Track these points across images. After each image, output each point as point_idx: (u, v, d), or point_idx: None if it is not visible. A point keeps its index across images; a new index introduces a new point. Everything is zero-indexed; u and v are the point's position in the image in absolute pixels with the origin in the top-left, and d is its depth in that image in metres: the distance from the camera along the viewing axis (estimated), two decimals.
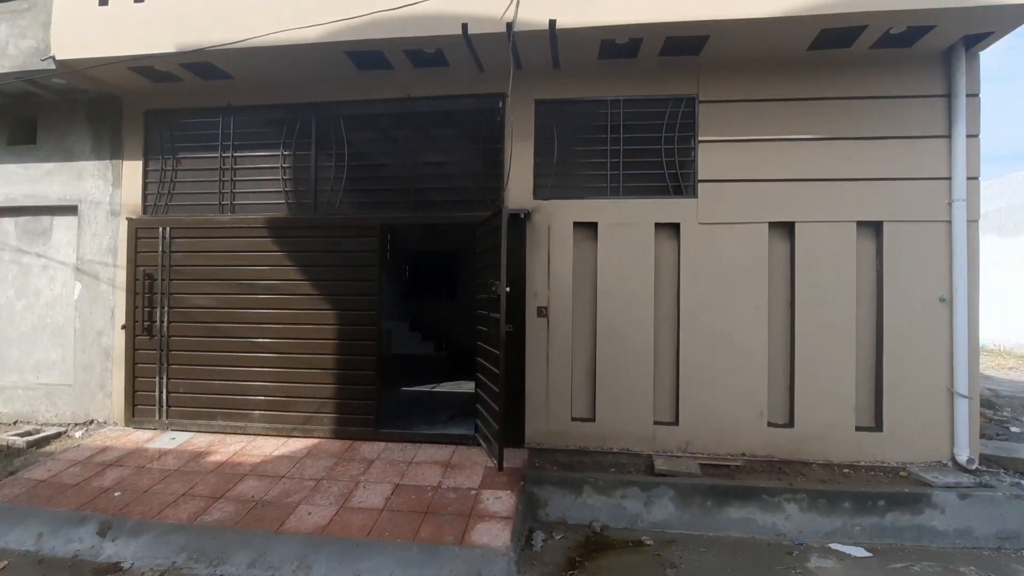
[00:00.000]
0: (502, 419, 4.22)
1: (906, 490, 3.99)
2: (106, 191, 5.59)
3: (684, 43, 4.39)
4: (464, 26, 4.18)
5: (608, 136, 4.84)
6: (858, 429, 4.56)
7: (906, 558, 3.68)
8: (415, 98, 5.03)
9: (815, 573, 3.48)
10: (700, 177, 4.69)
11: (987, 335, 13.28)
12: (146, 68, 4.88)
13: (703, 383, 4.68)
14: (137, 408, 5.38)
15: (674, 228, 4.76)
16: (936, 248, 4.50)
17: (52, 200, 5.68)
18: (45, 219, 5.82)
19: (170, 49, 4.62)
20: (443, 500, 3.88)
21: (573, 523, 4.12)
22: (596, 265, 4.82)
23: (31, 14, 5.12)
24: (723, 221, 4.67)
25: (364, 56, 4.65)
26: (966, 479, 4.13)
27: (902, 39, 4.26)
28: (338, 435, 5.05)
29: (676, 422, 4.73)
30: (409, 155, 5.12)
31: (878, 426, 4.56)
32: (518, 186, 4.81)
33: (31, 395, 5.68)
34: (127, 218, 5.45)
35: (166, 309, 5.34)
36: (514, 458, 4.51)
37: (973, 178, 4.45)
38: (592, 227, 4.82)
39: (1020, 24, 4.07)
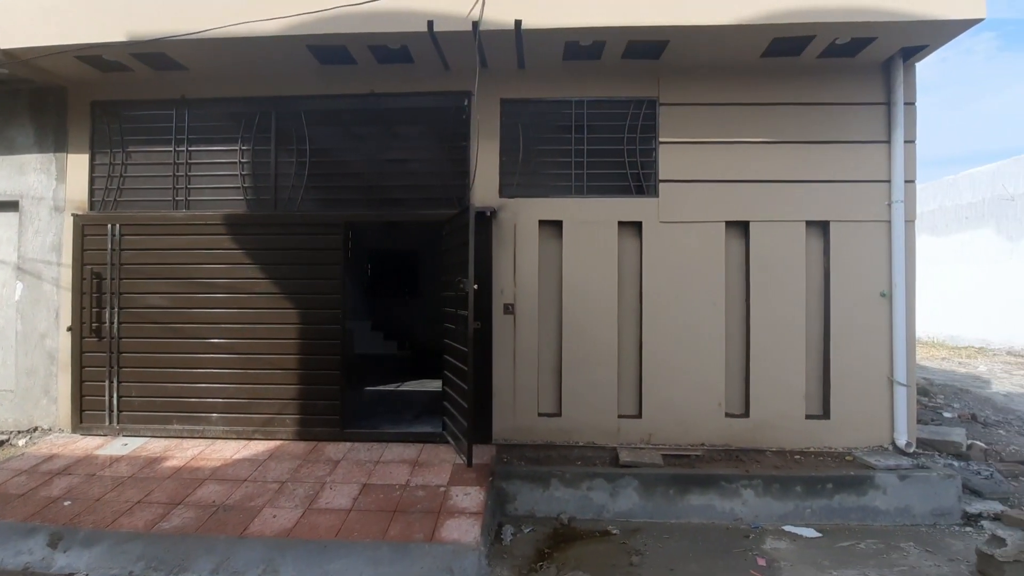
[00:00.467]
0: (471, 416, 4.25)
1: (851, 473, 4.25)
2: (49, 185, 5.30)
3: (645, 47, 4.52)
4: (430, 23, 4.18)
5: (573, 136, 4.94)
6: (808, 417, 4.82)
7: (852, 537, 3.93)
8: (379, 94, 4.99)
9: (769, 554, 3.67)
10: (661, 177, 4.85)
11: (921, 328, 14.20)
12: (93, 57, 4.65)
13: (665, 376, 4.84)
14: (85, 414, 5.12)
15: (636, 226, 4.89)
16: (877, 247, 4.79)
17: None
18: None
19: (120, 38, 4.42)
20: (412, 498, 3.88)
21: (541, 516, 4.19)
22: (561, 262, 4.91)
23: None
24: (683, 220, 4.84)
25: (327, 51, 4.58)
26: (905, 461, 4.42)
27: (846, 50, 4.52)
28: (302, 436, 4.96)
29: (639, 415, 4.87)
30: (373, 152, 5.07)
31: (826, 414, 4.83)
32: (484, 184, 4.85)
33: None
34: (72, 214, 5.18)
35: (116, 309, 5.11)
36: (482, 454, 4.54)
37: (910, 181, 4.75)
38: (557, 225, 4.90)
39: (951, 38, 4.38)
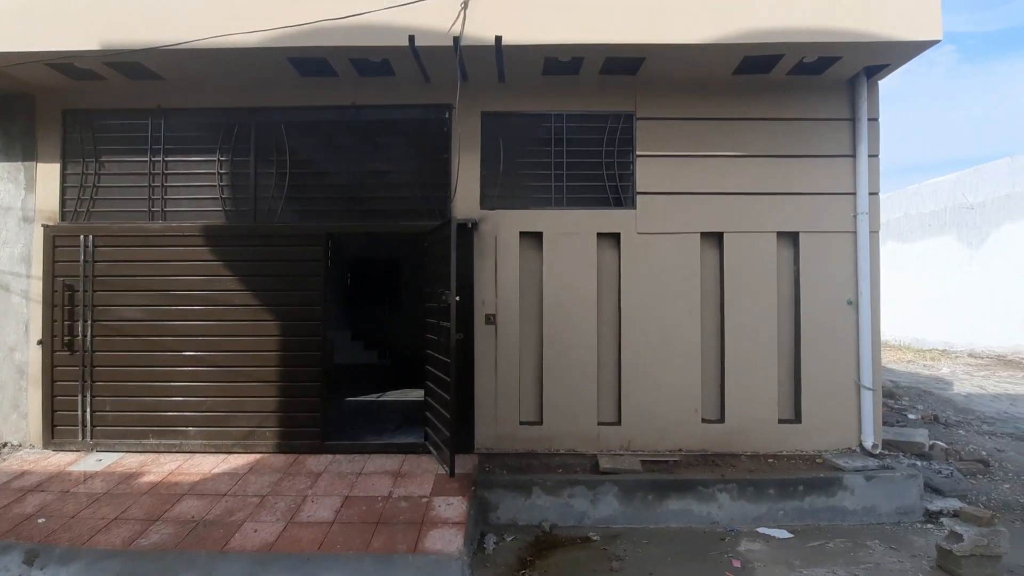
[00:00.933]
0: (454, 426, 4.29)
1: (821, 475, 4.41)
2: (18, 195, 5.17)
3: (623, 63, 4.65)
4: (411, 37, 4.22)
5: (552, 149, 5.03)
6: (780, 422, 4.98)
7: (822, 536, 4.08)
8: (360, 106, 5.01)
9: (744, 555, 3.79)
10: (638, 189, 4.97)
11: (888, 331, 14.72)
12: (65, 65, 4.57)
13: (643, 383, 4.95)
14: (57, 429, 5.00)
15: (615, 237, 5.00)
16: (844, 256, 4.99)
17: None
18: None
19: (94, 47, 4.36)
20: (395, 509, 3.89)
21: (523, 524, 4.24)
22: (542, 273, 4.99)
23: None
24: (660, 231, 4.97)
25: (307, 63, 4.59)
26: (871, 463, 4.61)
27: (813, 68, 4.71)
28: (282, 449, 4.93)
29: (619, 422, 4.97)
30: (354, 163, 5.08)
31: (798, 418, 5.00)
32: (465, 196, 4.90)
33: None
34: (43, 225, 5.07)
35: (89, 322, 5.00)
36: (464, 464, 4.58)
37: (874, 193, 4.98)
38: (537, 236, 4.99)
39: (911, 58, 4.61)
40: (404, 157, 5.11)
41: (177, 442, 4.96)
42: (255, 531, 3.60)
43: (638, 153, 4.98)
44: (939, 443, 5.41)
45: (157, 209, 5.11)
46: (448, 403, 4.28)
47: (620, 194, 5.03)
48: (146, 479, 4.39)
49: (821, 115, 5.02)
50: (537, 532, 4.15)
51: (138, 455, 4.88)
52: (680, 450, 4.91)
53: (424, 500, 4.02)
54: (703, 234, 5.01)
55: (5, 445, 5.09)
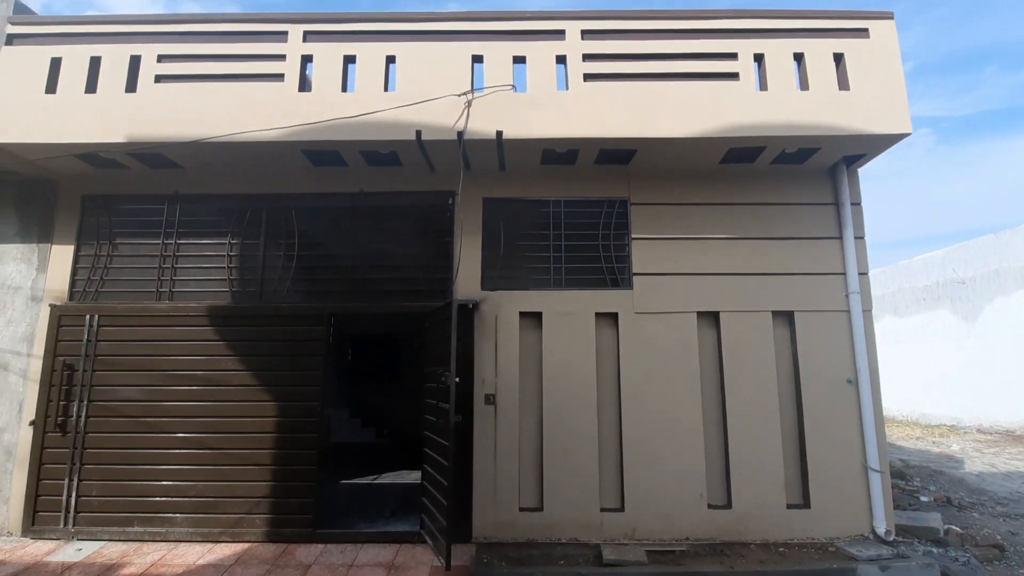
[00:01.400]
0: (450, 515, 4.14)
1: (835, 566, 4.21)
2: (28, 275, 5.29)
3: (615, 154, 4.94)
4: (418, 133, 4.53)
5: (551, 232, 5.22)
6: (789, 507, 4.82)
7: None
8: (368, 193, 5.25)
9: None
10: (635, 270, 5.11)
11: (894, 407, 14.50)
12: (90, 155, 4.84)
13: (646, 466, 4.84)
14: (38, 515, 4.81)
15: (613, 317, 5.08)
16: (840, 334, 5.04)
17: None
18: None
19: (120, 139, 4.65)
20: None
21: None
22: (541, 352, 5.01)
23: None
24: (656, 311, 5.06)
25: (320, 155, 4.88)
26: (885, 551, 4.41)
27: (795, 157, 5.01)
28: (272, 538, 4.72)
29: (622, 508, 4.80)
30: (360, 246, 5.25)
31: (806, 503, 4.84)
32: (467, 277, 5.03)
33: None
34: (50, 304, 5.14)
35: (85, 402, 4.96)
36: (462, 554, 4.38)
37: (863, 273, 5.11)
38: (537, 316, 5.06)
39: (885, 149, 4.91)
40: (408, 240, 5.29)
41: (163, 530, 4.76)
42: None
43: (633, 236, 5.17)
44: (954, 528, 5.21)
45: (165, 290, 5.21)
46: (445, 489, 4.17)
47: (617, 275, 5.16)
48: (127, 571, 4.18)
49: (806, 200, 5.25)
50: None
51: (121, 544, 4.67)
52: (687, 538, 4.71)
53: None
54: (699, 313, 5.09)
55: None
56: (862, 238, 5.19)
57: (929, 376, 14.01)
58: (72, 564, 4.31)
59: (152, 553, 4.50)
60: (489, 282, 5.10)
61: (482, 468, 4.81)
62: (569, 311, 5.04)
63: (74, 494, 4.83)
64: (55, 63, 4.82)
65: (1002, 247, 12.35)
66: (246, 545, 4.66)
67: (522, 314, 5.04)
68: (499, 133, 4.55)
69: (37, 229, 5.39)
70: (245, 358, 5.01)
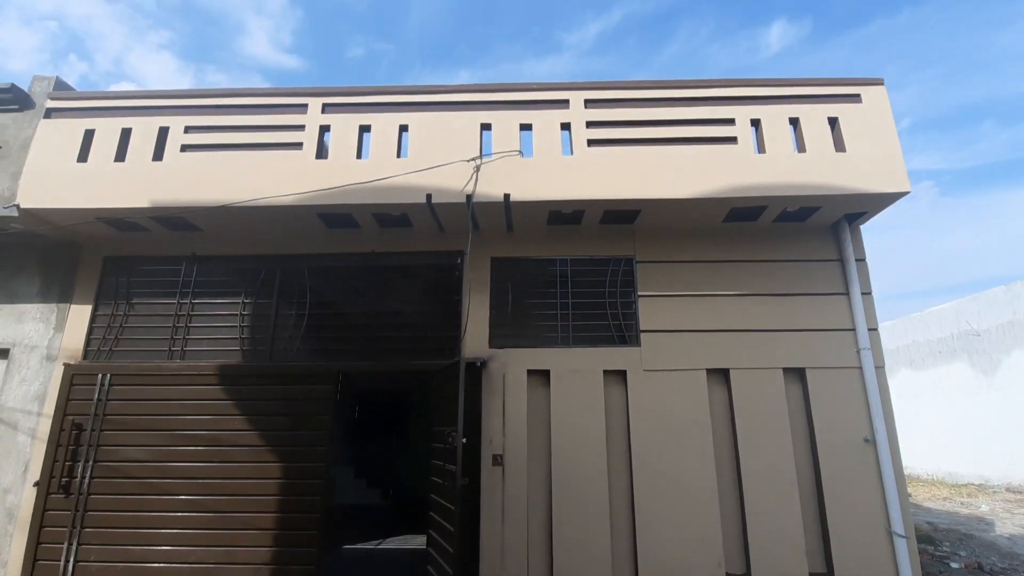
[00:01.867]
0: None
1: None
2: (45, 335, 5.39)
3: (621, 214, 5.07)
4: (429, 196, 4.70)
5: (558, 290, 5.29)
6: (812, 575, 4.58)
7: None
8: (379, 253, 5.39)
9: None
10: (642, 328, 5.12)
11: (919, 465, 13.96)
12: (114, 219, 5.04)
13: (660, 533, 4.66)
14: None
15: (621, 374, 5.04)
16: (853, 391, 4.94)
17: None
18: None
19: (145, 204, 4.85)
20: None
21: None
22: (550, 411, 4.96)
23: (1, 164, 5.24)
24: (665, 368, 5.02)
25: (334, 217, 5.05)
26: None
27: (797, 216, 5.11)
28: None
29: None
30: (370, 305, 5.33)
31: (830, 571, 4.60)
32: (475, 336, 5.06)
33: None
34: (64, 363, 5.20)
35: (91, 463, 4.92)
36: None
37: (873, 329, 5.07)
38: (545, 374, 5.04)
39: (885, 207, 4.99)
40: (417, 299, 5.37)
41: None
42: None
43: (640, 293, 5.21)
44: None
45: (178, 348, 5.28)
46: (451, 556, 4.03)
47: (624, 332, 5.17)
48: None
49: (811, 256, 5.29)
50: None
51: None
52: None
53: None
54: (709, 371, 5.04)
55: None
56: (869, 294, 5.19)
57: (952, 432, 13.54)
58: None
59: None
60: (497, 340, 5.12)
61: (489, 533, 4.66)
62: (577, 368, 5.02)
63: (72, 559, 4.71)
64: (88, 134, 5.11)
65: (1014, 298, 12.23)
66: None
67: (530, 372, 5.02)
68: (507, 196, 4.71)
69: (58, 289, 5.54)
70: (252, 417, 4.99)
